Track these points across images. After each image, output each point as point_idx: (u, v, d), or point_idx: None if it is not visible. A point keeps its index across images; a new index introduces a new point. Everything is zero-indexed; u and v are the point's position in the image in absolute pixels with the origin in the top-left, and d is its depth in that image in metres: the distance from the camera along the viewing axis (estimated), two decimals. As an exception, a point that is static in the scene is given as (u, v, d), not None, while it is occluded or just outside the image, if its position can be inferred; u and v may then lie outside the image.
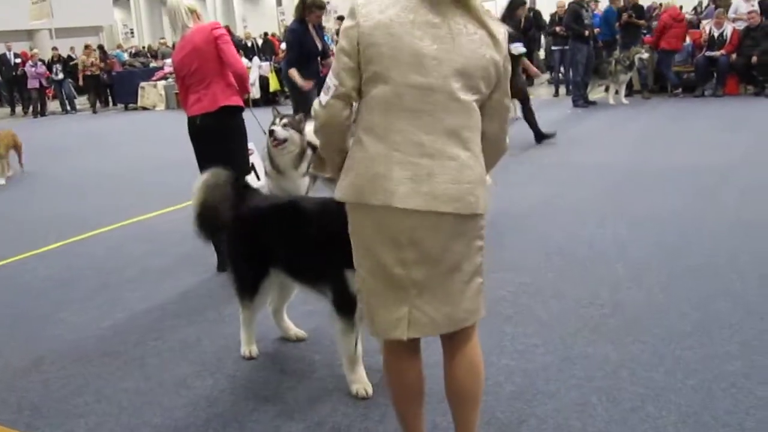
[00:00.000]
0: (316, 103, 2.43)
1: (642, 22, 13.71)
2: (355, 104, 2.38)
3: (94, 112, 20.76)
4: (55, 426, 3.36)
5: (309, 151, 5.81)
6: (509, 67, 2.40)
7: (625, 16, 13.50)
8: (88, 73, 20.67)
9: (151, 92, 20.19)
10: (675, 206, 6.21)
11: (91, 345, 4.24)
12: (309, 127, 6.03)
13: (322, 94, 2.40)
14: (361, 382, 3.37)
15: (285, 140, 5.63)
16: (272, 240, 3.56)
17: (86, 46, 22.27)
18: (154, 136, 14.43)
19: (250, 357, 3.83)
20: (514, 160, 8.76)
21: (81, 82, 21.16)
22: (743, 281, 4.44)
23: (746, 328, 3.81)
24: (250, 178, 6.11)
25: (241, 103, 5.19)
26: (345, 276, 3.06)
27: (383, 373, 2.71)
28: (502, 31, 2.36)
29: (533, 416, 3.13)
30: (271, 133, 5.61)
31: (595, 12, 15.10)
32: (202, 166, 5.22)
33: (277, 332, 4.04)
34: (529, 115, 9.56)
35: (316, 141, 6.28)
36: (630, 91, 13.68)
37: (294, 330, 4.04)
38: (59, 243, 6.56)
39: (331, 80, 2.36)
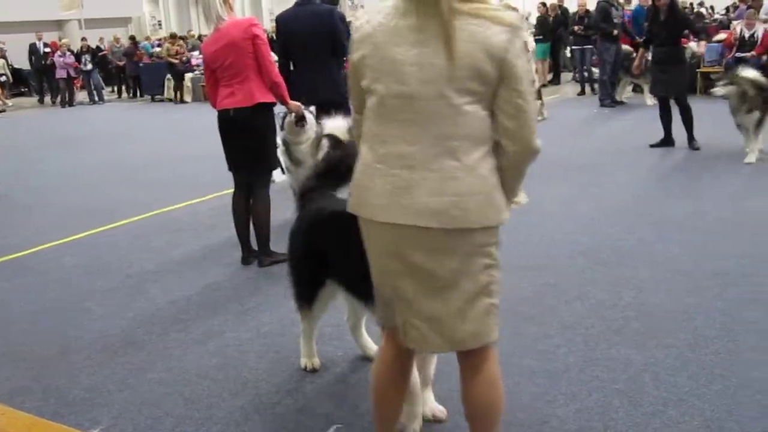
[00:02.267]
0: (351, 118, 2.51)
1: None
2: None
3: (183, 101, 19.72)
4: (80, 414, 3.40)
5: (325, 142, 5.75)
6: (519, 62, 2.16)
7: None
8: (175, 61, 19.98)
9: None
10: (702, 209, 6.15)
11: (115, 335, 4.28)
12: (331, 123, 6.03)
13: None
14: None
15: (304, 119, 5.72)
16: (327, 248, 3.23)
17: (172, 35, 21.99)
18: (180, 128, 14.53)
19: (312, 369, 3.63)
20: (539, 160, 8.69)
21: (168, 73, 20.13)
22: (771, 287, 4.39)
23: (773, 334, 3.77)
24: (277, 173, 6.14)
25: (275, 99, 5.18)
26: None
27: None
28: (507, 21, 2.14)
29: (554, 417, 3.11)
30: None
31: (625, 11, 14.97)
32: (232, 159, 5.26)
33: (299, 326, 4.02)
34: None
35: (338, 134, 6.26)
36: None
37: (375, 351, 3.54)
38: (84, 233, 6.62)
39: (351, 99, 2.43)
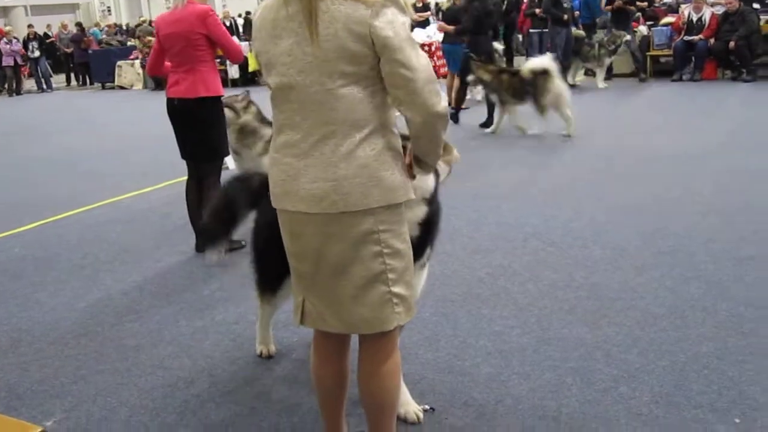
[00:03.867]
0: None
1: (632, 7, 13.64)
2: None
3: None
4: (32, 407, 3.35)
5: (264, 131, 5.59)
6: (390, 33, 2.13)
7: (618, 1, 13.49)
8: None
9: (129, 71, 19.96)
10: (651, 190, 6.26)
11: (67, 326, 4.22)
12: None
13: None
14: (409, 405, 3.04)
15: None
16: None
17: (149, 33, 21.30)
18: (131, 115, 14.32)
19: (268, 356, 3.63)
20: (491, 143, 8.80)
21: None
22: (717, 265, 4.49)
23: (720, 310, 3.87)
24: (229, 160, 6.10)
25: (221, 92, 5.14)
26: None
27: None
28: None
29: (509, 396, 3.16)
30: None
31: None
32: (182, 147, 5.23)
33: (255, 313, 4.01)
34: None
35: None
36: (609, 75, 13.74)
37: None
38: (35, 223, 6.50)
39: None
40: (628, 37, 13.31)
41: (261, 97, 6.51)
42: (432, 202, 2.69)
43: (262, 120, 5.69)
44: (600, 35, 13.56)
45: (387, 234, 2.29)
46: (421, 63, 2.19)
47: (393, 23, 2.14)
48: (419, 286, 2.89)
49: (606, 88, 13.02)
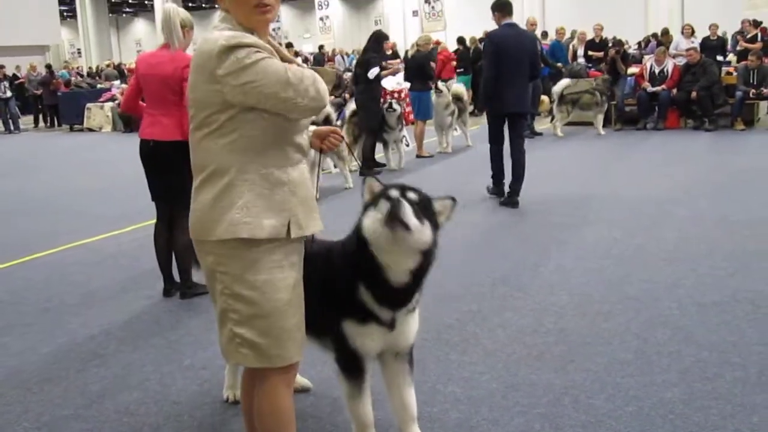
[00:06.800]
0: None
1: (622, 65, 13.89)
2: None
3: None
4: (-7, 454, 3.28)
5: None
6: (234, 80, 2.30)
7: (612, 51, 13.81)
8: None
9: (98, 113, 19.91)
10: (616, 236, 6.36)
11: (31, 371, 4.15)
12: None
13: None
14: None
15: None
16: None
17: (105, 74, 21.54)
18: (102, 157, 14.24)
19: (235, 401, 3.54)
20: (458, 188, 8.87)
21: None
22: (682, 310, 4.56)
23: (684, 356, 3.92)
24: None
25: None
26: (343, 330, 2.78)
27: None
28: (203, 47, 2.35)
29: (478, 443, 3.16)
30: None
31: (543, 46, 15.42)
32: (154, 190, 5.19)
33: (222, 358, 3.97)
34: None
35: None
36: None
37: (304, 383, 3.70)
38: (2, 265, 6.41)
39: None
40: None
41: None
42: (427, 254, 2.69)
43: None
44: (586, 83, 13.75)
45: (225, 276, 2.41)
46: (262, 72, 2.28)
47: (238, 65, 2.27)
48: (413, 329, 2.90)
49: (564, 136, 13.18)
